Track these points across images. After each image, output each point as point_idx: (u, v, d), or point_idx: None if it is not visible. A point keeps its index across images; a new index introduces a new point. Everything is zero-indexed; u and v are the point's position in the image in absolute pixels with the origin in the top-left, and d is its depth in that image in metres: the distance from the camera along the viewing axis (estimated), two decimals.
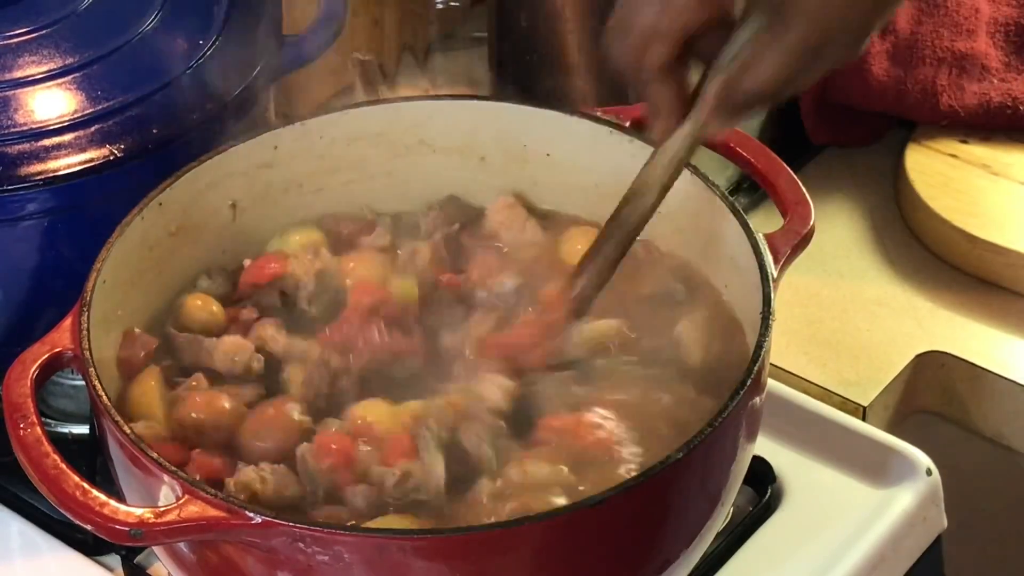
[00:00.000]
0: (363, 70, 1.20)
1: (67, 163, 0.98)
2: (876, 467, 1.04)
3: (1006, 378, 1.14)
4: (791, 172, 0.96)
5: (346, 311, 0.95)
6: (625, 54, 0.83)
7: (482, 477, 0.85)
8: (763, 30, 0.81)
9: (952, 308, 1.19)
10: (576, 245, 0.97)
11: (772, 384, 1.06)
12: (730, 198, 0.94)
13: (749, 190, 1.24)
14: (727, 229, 0.93)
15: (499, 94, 1.11)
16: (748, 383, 0.83)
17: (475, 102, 1.03)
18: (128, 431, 0.82)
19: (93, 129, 1.00)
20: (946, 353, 1.15)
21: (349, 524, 0.82)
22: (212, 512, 0.78)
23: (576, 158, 1.01)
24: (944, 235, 1.22)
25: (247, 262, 0.99)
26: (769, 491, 1.03)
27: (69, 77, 1.02)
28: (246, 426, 0.89)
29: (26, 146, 0.99)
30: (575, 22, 1.18)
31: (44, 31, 1.03)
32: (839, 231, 1.26)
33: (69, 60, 1.02)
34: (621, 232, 0.89)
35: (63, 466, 0.80)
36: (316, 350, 0.93)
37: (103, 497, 0.79)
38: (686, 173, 0.96)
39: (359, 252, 1.00)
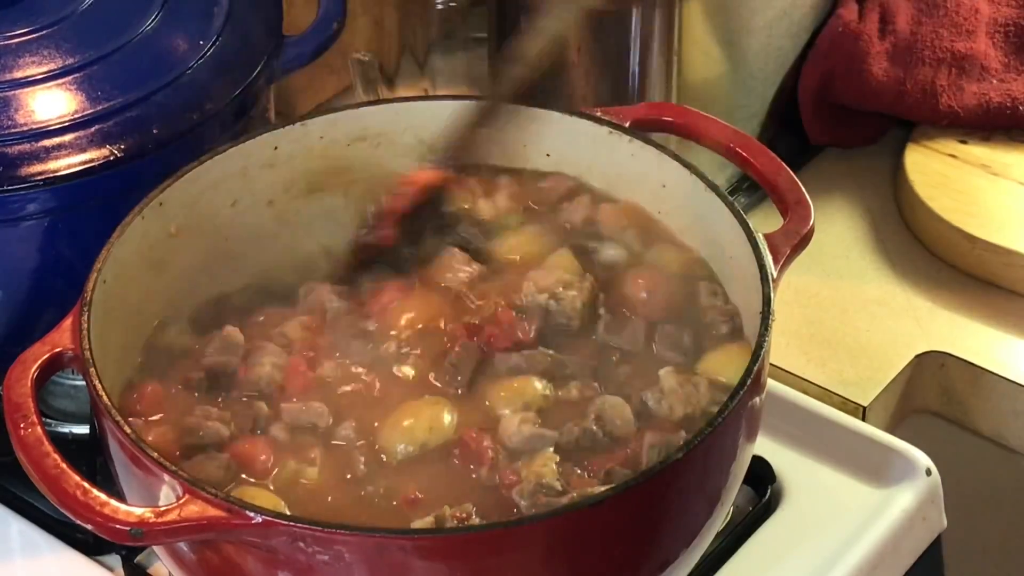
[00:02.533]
0: (363, 70, 1.21)
1: (67, 163, 0.98)
2: (876, 467, 1.04)
3: (1006, 378, 1.14)
4: (791, 172, 0.96)
5: None
6: None
7: None
8: None
9: (952, 308, 1.19)
10: None
11: (772, 384, 1.06)
12: (730, 198, 0.94)
13: (749, 190, 1.25)
14: (727, 229, 0.93)
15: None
16: (748, 383, 0.83)
17: (475, 102, 1.03)
18: (128, 431, 0.82)
19: (93, 129, 1.00)
20: (946, 353, 1.15)
21: (349, 524, 0.82)
22: (212, 512, 0.78)
23: (575, 158, 1.01)
24: (944, 235, 1.22)
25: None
26: (769, 491, 1.03)
27: (69, 77, 1.02)
28: None
29: (26, 146, 0.99)
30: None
31: (44, 31, 1.03)
32: (839, 231, 1.26)
33: (69, 60, 1.02)
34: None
35: (63, 466, 0.80)
36: None
37: (103, 497, 0.79)
38: (685, 172, 0.96)
39: None
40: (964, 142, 1.29)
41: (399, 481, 0.86)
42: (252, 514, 0.77)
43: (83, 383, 0.86)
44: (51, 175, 0.98)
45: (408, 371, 0.91)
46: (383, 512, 0.84)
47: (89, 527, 0.79)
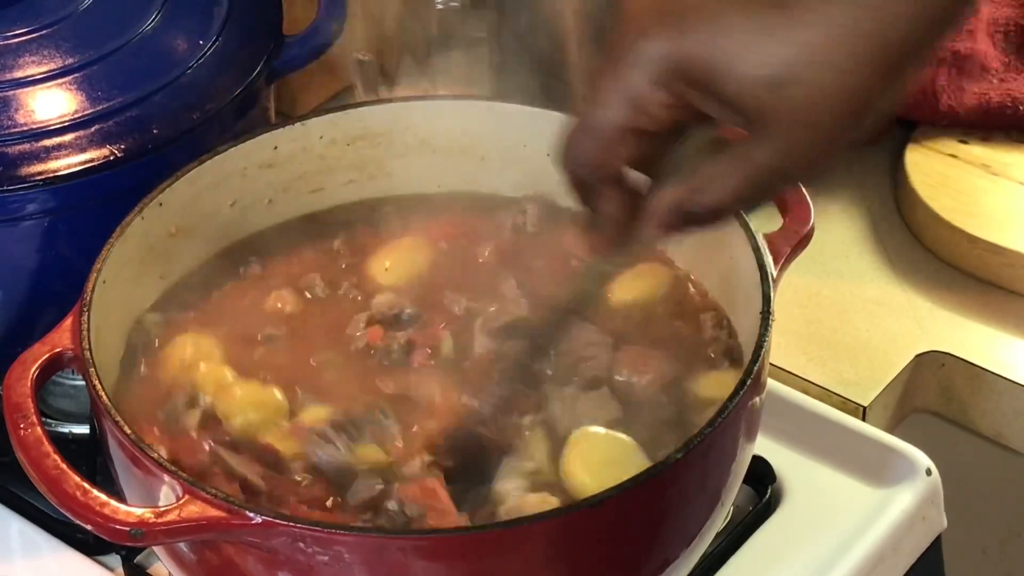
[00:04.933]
0: (363, 70, 1.20)
1: (67, 163, 0.98)
2: (876, 467, 1.04)
3: (1006, 378, 1.14)
4: None
5: None
6: (586, 153, 0.77)
7: None
8: (737, 143, 0.73)
9: (952, 308, 1.19)
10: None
11: (772, 384, 1.06)
12: None
13: None
14: (727, 229, 0.93)
15: (499, 94, 1.11)
16: (748, 383, 0.83)
17: (475, 102, 1.03)
18: (128, 431, 0.82)
19: (93, 129, 1.00)
20: (946, 353, 1.15)
21: (349, 524, 0.82)
22: (212, 512, 0.78)
23: None
24: (944, 235, 1.22)
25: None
26: (769, 491, 1.03)
27: (69, 77, 1.02)
28: None
29: (26, 146, 0.99)
30: (575, 23, 1.18)
31: (44, 31, 1.04)
32: (839, 231, 1.26)
33: (69, 60, 1.02)
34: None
35: (63, 466, 0.80)
36: None
37: (103, 497, 0.79)
38: None
39: None
40: (964, 142, 1.29)
41: None
42: (252, 514, 0.77)
43: (83, 383, 0.86)
44: (51, 175, 0.98)
45: None
46: None
47: (89, 527, 0.79)
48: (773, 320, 0.87)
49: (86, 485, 0.79)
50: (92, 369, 0.85)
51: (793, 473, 1.04)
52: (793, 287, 1.19)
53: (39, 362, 0.86)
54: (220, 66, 1.05)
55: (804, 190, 0.95)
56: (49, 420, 1.06)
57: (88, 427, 0.98)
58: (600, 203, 0.79)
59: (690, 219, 0.76)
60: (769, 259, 0.90)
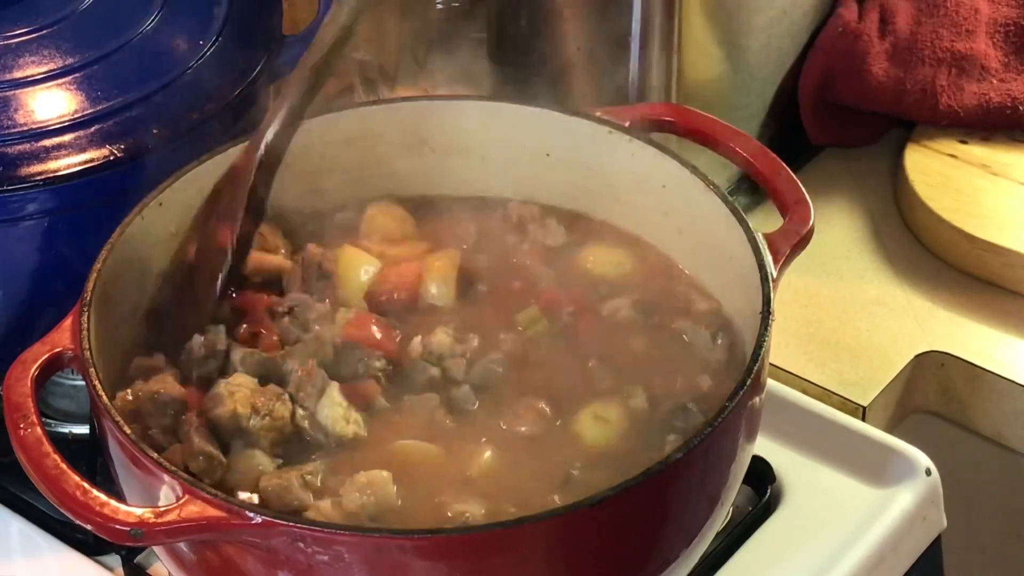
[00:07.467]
0: (363, 70, 1.20)
1: (67, 163, 0.98)
2: (876, 467, 1.04)
3: (1006, 378, 1.14)
4: (791, 172, 0.96)
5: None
6: None
7: None
8: None
9: (951, 308, 1.19)
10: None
11: (772, 384, 1.06)
12: (730, 198, 0.94)
13: (749, 190, 1.24)
14: (727, 229, 0.93)
15: (499, 94, 1.11)
16: (748, 383, 0.83)
17: (475, 102, 1.03)
18: (128, 431, 0.82)
19: (93, 129, 1.00)
20: (946, 353, 1.15)
21: (349, 525, 0.82)
22: (212, 512, 0.78)
23: (575, 158, 1.01)
24: (943, 235, 1.22)
25: None
26: (769, 491, 1.03)
27: (69, 77, 1.02)
28: None
29: (26, 146, 0.99)
30: (575, 22, 1.18)
31: (44, 31, 1.04)
32: (839, 231, 1.26)
33: (69, 60, 1.02)
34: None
35: (63, 466, 0.80)
36: None
37: (103, 497, 0.79)
38: (685, 172, 0.96)
39: None
40: (964, 142, 1.29)
41: None
42: (252, 514, 0.78)
43: (83, 383, 0.86)
44: (51, 175, 0.98)
45: None
46: None
47: (89, 527, 0.79)
48: (773, 320, 0.87)
49: (86, 485, 0.79)
50: (92, 369, 0.85)
51: (793, 473, 1.04)
52: (793, 287, 1.19)
53: (39, 362, 0.86)
54: (220, 66, 1.05)
55: (804, 190, 0.95)
56: (49, 420, 1.06)
57: (88, 427, 0.98)
58: None
59: None
60: (769, 259, 0.90)
